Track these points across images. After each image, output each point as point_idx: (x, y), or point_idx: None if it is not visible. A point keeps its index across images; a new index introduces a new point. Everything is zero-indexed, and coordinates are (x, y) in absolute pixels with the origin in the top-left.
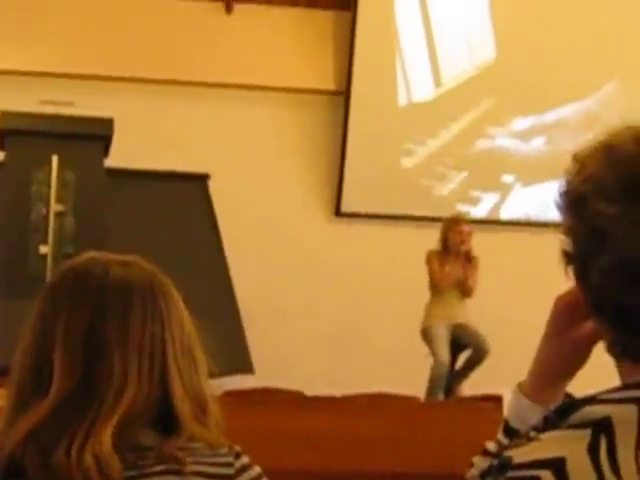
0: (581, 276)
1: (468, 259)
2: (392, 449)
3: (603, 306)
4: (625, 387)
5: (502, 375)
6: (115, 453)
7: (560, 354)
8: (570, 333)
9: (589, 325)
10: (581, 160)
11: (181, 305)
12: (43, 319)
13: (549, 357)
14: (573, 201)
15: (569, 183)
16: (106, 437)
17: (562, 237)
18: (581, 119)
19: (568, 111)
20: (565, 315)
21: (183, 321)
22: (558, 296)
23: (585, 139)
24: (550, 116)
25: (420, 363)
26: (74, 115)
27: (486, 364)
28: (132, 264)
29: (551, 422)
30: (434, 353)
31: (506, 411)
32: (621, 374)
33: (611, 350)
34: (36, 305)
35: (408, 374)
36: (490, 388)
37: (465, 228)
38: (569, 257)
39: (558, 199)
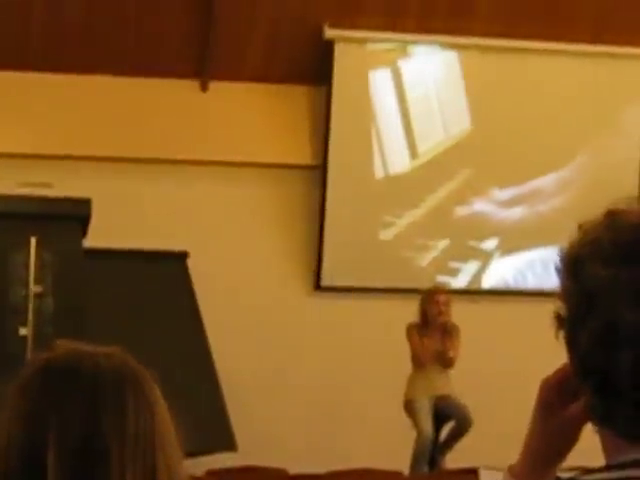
0: (570, 340)
1: (448, 329)
2: None
3: (588, 371)
4: (606, 468)
5: (486, 446)
6: None
7: (549, 436)
8: (558, 414)
9: (577, 405)
10: (584, 227)
11: (159, 393)
12: (29, 420)
13: (538, 440)
14: (570, 263)
15: (570, 247)
16: None
17: (558, 302)
18: (557, 188)
19: (545, 181)
20: (551, 397)
21: (167, 414)
22: (543, 379)
23: (561, 206)
24: (527, 186)
25: (404, 436)
26: (51, 196)
27: (470, 435)
28: (116, 357)
29: None
30: (417, 426)
31: None
32: (604, 447)
33: (592, 418)
34: (14, 401)
35: (392, 447)
36: (474, 460)
37: (442, 298)
38: (561, 321)
39: (558, 263)
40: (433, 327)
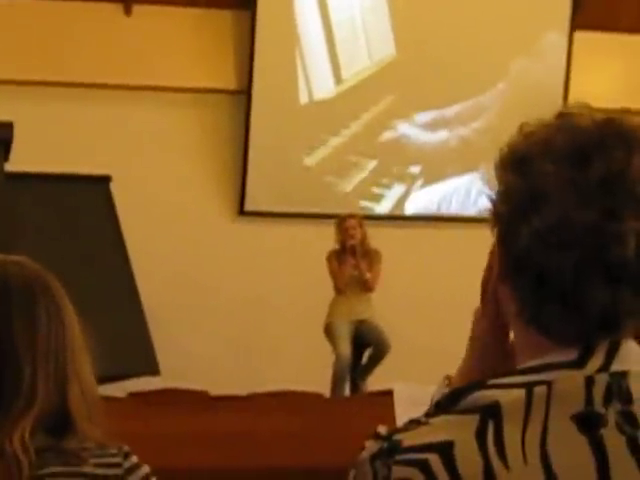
0: (506, 237)
1: (364, 253)
2: (296, 445)
3: (524, 269)
4: (516, 372)
5: (407, 370)
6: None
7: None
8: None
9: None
10: (530, 127)
11: (67, 300)
12: None
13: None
14: (517, 160)
15: (514, 144)
16: (17, 439)
17: (492, 196)
18: (478, 114)
19: (466, 106)
20: (486, 333)
21: (75, 320)
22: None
23: (484, 132)
24: (450, 110)
25: (326, 359)
26: None
27: (392, 359)
28: (25, 264)
29: (442, 407)
30: (335, 348)
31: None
32: (520, 350)
33: (518, 318)
34: None
35: (315, 372)
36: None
37: (349, 223)
38: (497, 218)
39: (498, 158)
40: (351, 252)
